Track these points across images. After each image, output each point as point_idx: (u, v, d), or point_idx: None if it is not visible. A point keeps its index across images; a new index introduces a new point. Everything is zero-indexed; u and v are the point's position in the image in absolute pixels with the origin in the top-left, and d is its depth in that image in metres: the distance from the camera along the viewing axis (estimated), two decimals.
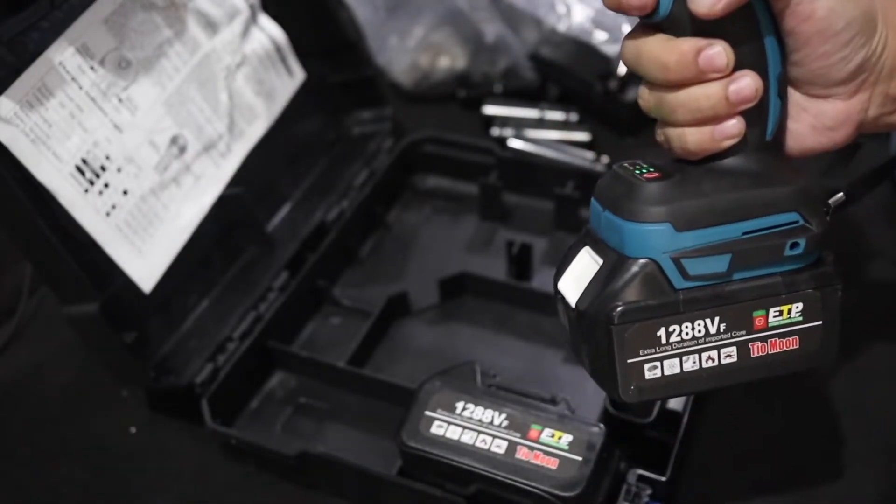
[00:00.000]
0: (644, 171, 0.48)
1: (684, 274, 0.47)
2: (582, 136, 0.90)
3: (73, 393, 0.74)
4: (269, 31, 0.78)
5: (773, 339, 0.49)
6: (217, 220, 0.74)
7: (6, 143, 0.59)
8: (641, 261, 0.46)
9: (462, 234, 0.84)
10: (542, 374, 0.70)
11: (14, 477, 0.69)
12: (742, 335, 0.48)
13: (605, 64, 0.89)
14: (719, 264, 0.47)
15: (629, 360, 0.47)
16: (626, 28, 0.87)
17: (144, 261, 0.68)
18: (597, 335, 0.47)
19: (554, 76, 0.96)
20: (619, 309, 0.46)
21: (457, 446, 0.59)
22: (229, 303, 0.74)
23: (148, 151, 0.68)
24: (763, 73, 0.47)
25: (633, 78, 0.90)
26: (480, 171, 0.84)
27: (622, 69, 0.88)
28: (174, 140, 0.70)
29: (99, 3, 0.64)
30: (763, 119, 0.48)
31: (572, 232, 0.81)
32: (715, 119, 0.46)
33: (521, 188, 0.84)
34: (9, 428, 0.72)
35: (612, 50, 0.88)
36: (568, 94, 0.95)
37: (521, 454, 0.58)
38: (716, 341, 0.48)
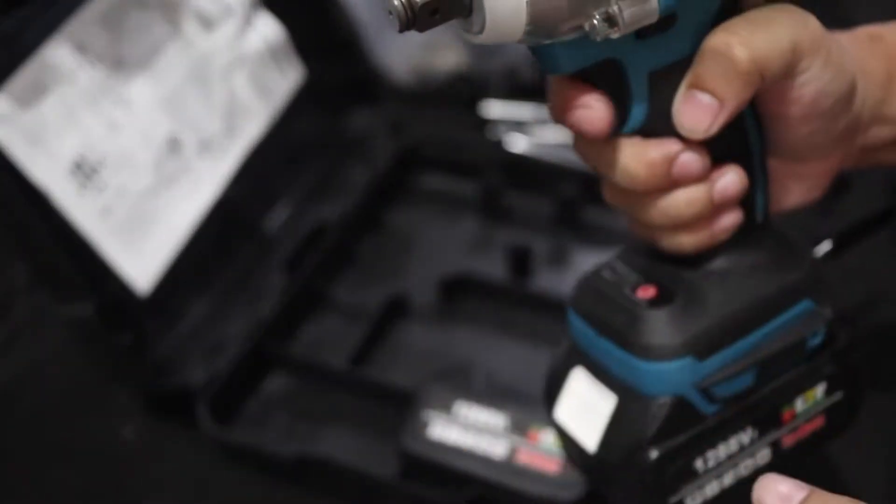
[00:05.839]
0: (633, 282, 0.44)
1: (713, 399, 0.43)
2: None
3: (69, 395, 0.73)
4: (267, 29, 0.78)
5: (801, 426, 0.46)
6: (214, 220, 0.73)
7: (0, 141, 0.59)
8: (666, 398, 0.42)
9: (462, 234, 0.83)
10: (542, 376, 0.70)
11: (8, 480, 0.68)
12: (773, 434, 0.45)
13: None
14: (746, 380, 0.43)
15: (670, 500, 0.43)
16: None
17: (140, 261, 0.67)
18: (629, 484, 0.44)
19: None
20: (654, 458, 0.42)
21: (456, 449, 0.59)
22: (227, 304, 0.74)
23: (144, 151, 0.68)
24: (747, 159, 0.43)
25: None
26: (480, 171, 0.83)
27: None
28: (170, 139, 0.70)
29: (94, 2, 0.64)
30: (752, 204, 0.44)
31: (572, 232, 0.81)
32: (702, 220, 0.42)
33: (521, 188, 0.84)
34: (2, 430, 0.72)
35: None
36: None
37: (521, 457, 0.58)
38: (750, 449, 0.45)
